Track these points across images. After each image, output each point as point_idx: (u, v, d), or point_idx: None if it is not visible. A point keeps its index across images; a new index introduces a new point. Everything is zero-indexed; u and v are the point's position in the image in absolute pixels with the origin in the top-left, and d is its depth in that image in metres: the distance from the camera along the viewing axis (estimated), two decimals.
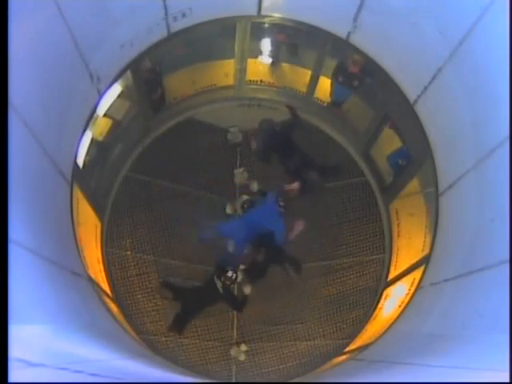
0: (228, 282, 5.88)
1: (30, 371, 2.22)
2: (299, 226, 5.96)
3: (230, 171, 6.92)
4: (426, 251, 5.16)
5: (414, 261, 5.53)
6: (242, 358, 6.43)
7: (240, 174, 6.90)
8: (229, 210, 6.54)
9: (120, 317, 5.84)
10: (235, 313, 6.49)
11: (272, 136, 6.48)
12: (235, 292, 6.28)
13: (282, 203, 5.96)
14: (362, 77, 6.12)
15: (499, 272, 3.19)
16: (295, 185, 6.14)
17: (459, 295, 3.92)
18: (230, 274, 5.86)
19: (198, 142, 6.82)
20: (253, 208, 6.15)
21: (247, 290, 6.31)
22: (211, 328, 6.50)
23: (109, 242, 6.46)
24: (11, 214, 2.70)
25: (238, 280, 6.04)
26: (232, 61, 6.41)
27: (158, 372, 4.67)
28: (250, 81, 6.74)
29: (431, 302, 4.59)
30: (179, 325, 6.20)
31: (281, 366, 6.50)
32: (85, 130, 4.91)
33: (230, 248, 6.11)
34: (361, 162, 6.88)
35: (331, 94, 6.69)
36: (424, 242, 5.34)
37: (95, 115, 5.13)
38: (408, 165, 5.92)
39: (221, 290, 5.89)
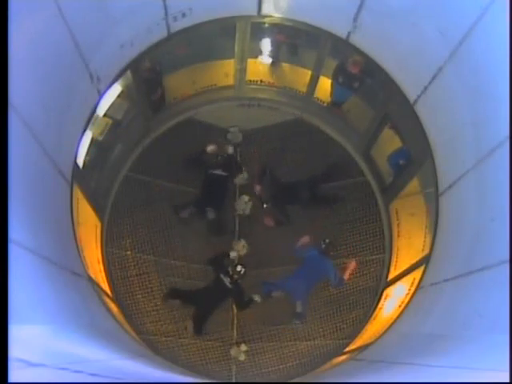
0: (236, 276, 6.11)
1: (30, 371, 2.22)
2: (351, 266, 6.23)
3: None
4: (426, 251, 5.16)
5: (414, 261, 5.53)
6: (242, 358, 6.42)
7: (240, 174, 6.90)
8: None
9: (120, 317, 5.85)
10: (235, 313, 6.50)
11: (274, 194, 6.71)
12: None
13: (327, 241, 6.23)
14: (363, 78, 6.13)
15: (499, 272, 3.19)
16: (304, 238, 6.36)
17: (459, 295, 3.92)
18: (239, 268, 6.13)
19: (197, 142, 6.82)
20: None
21: (257, 297, 6.39)
22: (211, 328, 6.50)
23: (109, 242, 6.46)
24: (11, 214, 2.70)
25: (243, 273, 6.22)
26: (232, 61, 6.41)
27: (158, 372, 4.67)
28: (250, 81, 6.74)
29: (431, 302, 4.59)
30: (197, 327, 6.31)
31: (281, 366, 6.50)
32: (85, 130, 4.91)
33: (299, 308, 6.35)
34: (361, 162, 6.88)
35: (331, 95, 6.70)
36: (424, 241, 5.34)
37: (95, 115, 5.13)
38: (408, 165, 5.92)
39: (229, 285, 6.11)
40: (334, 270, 6.10)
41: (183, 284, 6.59)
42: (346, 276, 6.07)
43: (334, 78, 6.41)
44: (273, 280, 6.44)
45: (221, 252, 6.50)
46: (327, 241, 6.21)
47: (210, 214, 6.58)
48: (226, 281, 6.11)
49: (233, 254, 6.48)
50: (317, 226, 6.82)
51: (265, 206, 6.75)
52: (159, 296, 6.52)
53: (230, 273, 6.11)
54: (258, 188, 6.71)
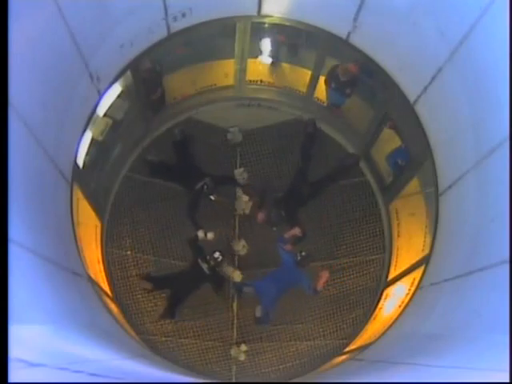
0: (213, 263, 6.07)
1: (30, 371, 2.22)
2: (325, 276, 5.98)
3: (230, 171, 6.92)
4: (426, 251, 5.16)
5: (414, 261, 5.53)
6: (242, 358, 6.42)
7: (240, 174, 6.90)
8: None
9: (120, 317, 5.85)
10: (235, 313, 6.49)
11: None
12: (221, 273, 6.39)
13: (303, 253, 5.97)
14: (354, 84, 6.19)
15: (499, 272, 3.19)
16: (294, 230, 6.19)
17: (459, 295, 3.92)
18: (216, 255, 6.07)
19: (198, 142, 6.82)
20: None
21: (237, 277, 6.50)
22: (211, 328, 6.50)
23: (109, 242, 6.46)
24: (11, 214, 2.70)
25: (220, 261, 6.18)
26: (232, 61, 6.41)
27: (158, 372, 4.67)
28: (250, 81, 6.74)
29: (431, 302, 4.59)
30: (170, 311, 6.29)
31: (281, 366, 6.50)
32: (85, 130, 4.91)
33: (258, 313, 6.20)
34: (361, 161, 6.88)
35: (327, 98, 6.73)
36: (424, 242, 5.34)
37: (95, 115, 5.14)
38: (408, 165, 5.92)
39: (206, 270, 6.08)
40: (307, 281, 5.90)
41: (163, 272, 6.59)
42: (320, 286, 5.88)
43: (327, 84, 6.43)
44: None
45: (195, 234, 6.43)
46: (303, 253, 5.95)
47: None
48: (204, 267, 6.07)
49: (200, 235, 6.38)
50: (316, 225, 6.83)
51: (274, 229, 6.53)
52: (159, 296, 6.52)
53: (208, 258, 6.07)
54: (260, 216, 6.51)
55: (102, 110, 5.39)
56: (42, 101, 3.67)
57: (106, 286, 6.00)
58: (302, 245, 6.27)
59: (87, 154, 5.28)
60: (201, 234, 6.38)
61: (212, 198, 6.57)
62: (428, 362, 3.24)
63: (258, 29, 5.90)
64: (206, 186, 6.38)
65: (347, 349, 6.25)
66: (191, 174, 6.50)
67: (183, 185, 6.58)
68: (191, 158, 6.62)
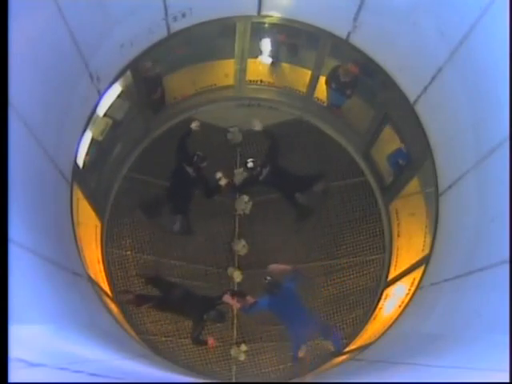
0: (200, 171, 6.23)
1: (30, 371, 2.22)
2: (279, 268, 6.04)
3: (230, 171, 6.91)
4: (426, 251, 5.16)
5: (414, 261, 5.53)
6: (242, 358, 6.42)
7: (240, 174, 6.89)
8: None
9: (120, 317, 5.84)
10: (235, 313, 6.49)
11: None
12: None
13: (268, 278, 5.86)
14: (355, 85, 6.19)
15: (499, 272, 3.18)
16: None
17: (459, 295, 3.92)
18: (218, 175, 6.30)
19: (198, 142, 6.81)
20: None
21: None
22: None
23: (109, 242, 6.46)
24: (11, 214, 2.70)
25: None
26: (232, 61, 6.41)
27: (158, 372, 4.67)
28: (250, 81, 6.75)
29: (431, 302, 4.58)
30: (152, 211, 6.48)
31: (281, 366, 6.50)
32: (85, 130, 4.92)
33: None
34: (361, 162, 6.88)
35: (328, 98, 6.73)
36: (424, 242, 5.34)
37: (95, 115, 5.14)
38: (408, 165, 5.92)
39: (192, 173, 6.20)
40: (292, 284, 5.86)
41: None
42: (286, 269, 5.91)
43: (328, 84, 6.43)
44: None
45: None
46: (268, 278, 5.81)
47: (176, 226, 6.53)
48: (189, 170, 6.22)
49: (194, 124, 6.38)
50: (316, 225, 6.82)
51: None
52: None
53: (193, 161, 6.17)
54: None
55: (102, 110, 5.39)
56: (42, 101, 3.66)
57: (105, 286, 5.99)
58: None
59: (87, 154, 5.28)
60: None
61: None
62: (428, 361, 3.24)
63: (257, 29, 5.90)
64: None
65: (347, 349, 6.25)
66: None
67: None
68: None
